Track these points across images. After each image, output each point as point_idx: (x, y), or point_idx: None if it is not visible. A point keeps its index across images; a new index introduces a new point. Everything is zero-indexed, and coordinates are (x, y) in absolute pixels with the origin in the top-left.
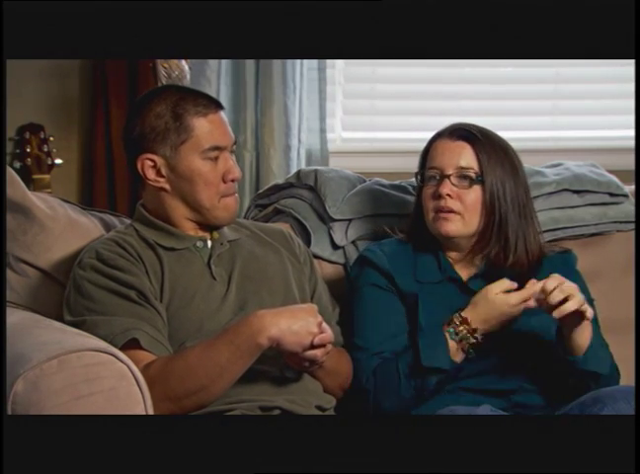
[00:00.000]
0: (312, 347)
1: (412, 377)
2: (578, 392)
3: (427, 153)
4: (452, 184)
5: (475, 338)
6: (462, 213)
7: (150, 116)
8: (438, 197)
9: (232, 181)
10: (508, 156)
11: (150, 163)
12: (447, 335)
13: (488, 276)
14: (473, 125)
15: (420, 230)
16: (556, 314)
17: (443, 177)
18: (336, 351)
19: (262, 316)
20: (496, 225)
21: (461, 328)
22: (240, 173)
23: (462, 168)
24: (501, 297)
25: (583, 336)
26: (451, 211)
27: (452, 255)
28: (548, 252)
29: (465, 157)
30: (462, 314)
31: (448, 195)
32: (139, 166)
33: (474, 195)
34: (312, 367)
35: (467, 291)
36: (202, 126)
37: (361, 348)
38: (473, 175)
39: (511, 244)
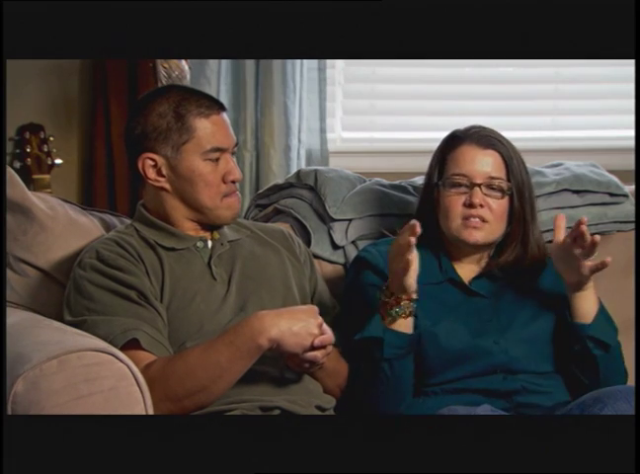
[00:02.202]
0: (312, 348)
1: (360, 356)
2: (583, 366)
3: (445, 156)
4: (483, 193)
5: (390, 297)
6: (491, 222)
7: (152, 115)
8: (469, 205)
9: (233, 182)
10: (523, 161)
11: (151, 162)
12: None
13: (491, 277)
14: (494, 131)
15: (423, 231)
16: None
17: (474, 185)
18: (336, 351)
19: (262, 317)
20: (521, 233)
21: (380, 295)
22: (241, 174)
23: (492, 178)
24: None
25: (589, 302)
26: (482, 220)
27: (459, 257)
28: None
29: (495, 167)
30: (393, 292)
31: (480, 204)
32: (140, 165)
33: (503, 204)
34: (312, 368)
35: (469, 293)
36: (204, 127)
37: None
38: (504, 186)
39: (529, 248)
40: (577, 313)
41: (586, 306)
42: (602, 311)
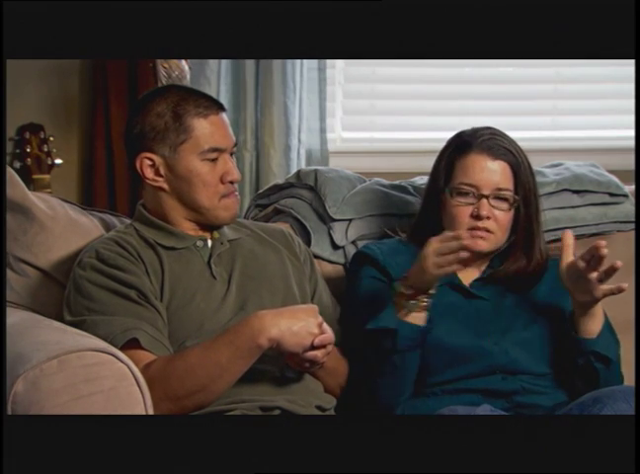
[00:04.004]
0: (313, 347)
1: (369, 345)
2: (584, 377)
3: (453, 163)
4: (491, 205)
5: (407, 290)
6: (496, 232)
7: (151, 115)
8: (476, 217)
9: (231, 182)
10: (529, 164)
11: (149, 162)
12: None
13: (491, 280)
14: (503, 136)
15: (424, 233)
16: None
17: (481, 196)
18: (336, 350)
19: (262, 317)
20: (526, 243)
21: (398, 286)
22: (239, 175)
23: (500, 189)
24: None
25: (595, 319)
26: (488, 231)
27: None
28: (552, 255)
29: (503, 177)
30: (412, 285)
31: (487, 216)
32: (138, 165)
33: (509, 215)
34: (313, 368)
35: (469, 295)
36: (202, 127)
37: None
38: (510, 197)
39: (534, 256)
40: (582, 328)
41: (592, 323)
42: (606, 324)
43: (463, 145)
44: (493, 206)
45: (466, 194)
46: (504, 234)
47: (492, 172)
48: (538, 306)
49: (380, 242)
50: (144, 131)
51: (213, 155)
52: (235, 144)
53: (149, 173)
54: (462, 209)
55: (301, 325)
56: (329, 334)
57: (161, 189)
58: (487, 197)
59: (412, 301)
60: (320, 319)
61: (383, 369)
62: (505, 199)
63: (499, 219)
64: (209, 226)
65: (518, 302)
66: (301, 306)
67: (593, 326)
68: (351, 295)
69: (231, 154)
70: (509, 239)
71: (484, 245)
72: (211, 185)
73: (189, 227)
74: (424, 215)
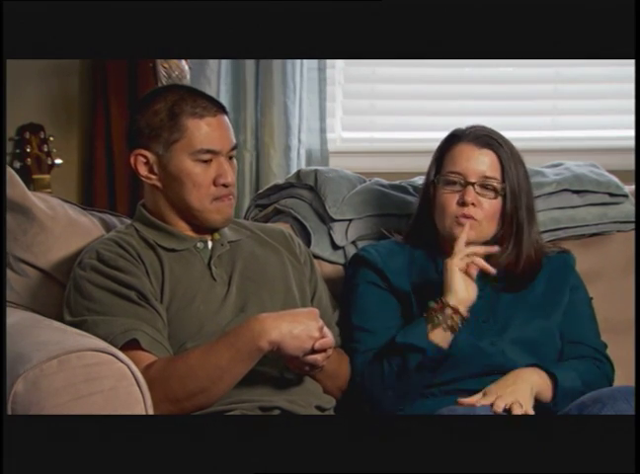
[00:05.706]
0: (313, 351)
1: (392, 358)
2: None
3: (443, 154)
4: (476, 192)
5: (457, 315)
6: (481, 221)
7: (149, 112)
8: (462, 204)
9: (224, 185)
10: (522, 163)
11: (143, 159)
12: (427, 318)
13: (486, 278)
14: (493, 131)
15: (420, 230)
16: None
17: (467, 184)
18: (336, 353)
19: (263, 320)
20: (514, 235)
21: (440, 310)
22: (233, 178)
23: (487, 177)
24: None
25: (542, 391)
26: (472, 219)
27: None
28: (548, 252)
29: (490, 166)
30: (442, 299)
31: (472, 203)
32: (132, 161)
33: (495, 204)
34: (313, 371)
35: None
36: (196, 128)
37: (357, 348)
38: (497, 186)
39: (523, 252)
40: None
41: (542, 394)
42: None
43: (452, 138)
44: (479, 194)
45: (454, 182)
46: (489, 223)
47: (479, 161)
48: (534, 306)
49: (377, 244)
50: (141, 128)
51: (206, 156)
52: (234, 147)
53: (143, 170)
54: (449, 197)
55: (302, 328)
56: (329, 338)
57: (156, 187)
58: (473, 184)
59: (438, 315)
60: (321, 323)
61: (395, 382)
62: (491, 189)
63: (485, 207)
64: (203, 228)
65: (513, 302)
66: (302, 309)
67: (545, 394)
68: (347, 299)
69: (231, 157)
70: (498, 232)
71: (469, 234)
72: (203, 186)
73: (185, 228)
74: (419, 214)
